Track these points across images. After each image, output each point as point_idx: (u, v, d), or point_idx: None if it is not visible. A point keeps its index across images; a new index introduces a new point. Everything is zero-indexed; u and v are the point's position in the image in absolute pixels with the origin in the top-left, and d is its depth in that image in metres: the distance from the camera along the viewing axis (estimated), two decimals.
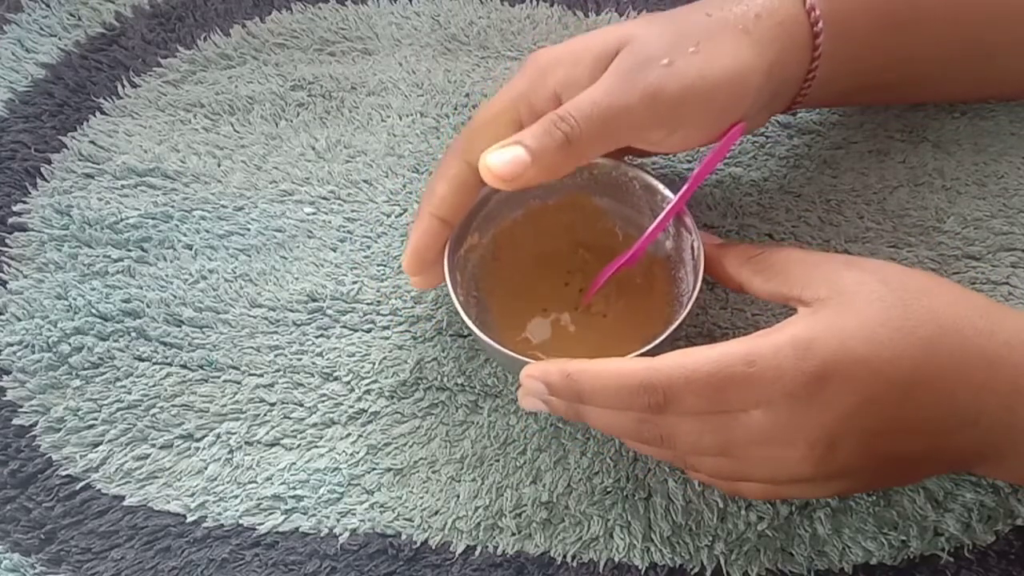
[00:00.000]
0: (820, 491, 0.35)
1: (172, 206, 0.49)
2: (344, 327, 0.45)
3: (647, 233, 0.40)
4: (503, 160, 0.36)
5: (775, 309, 0.45)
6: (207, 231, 0.48)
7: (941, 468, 0.36)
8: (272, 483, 0.42)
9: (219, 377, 0.44)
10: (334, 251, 0.48)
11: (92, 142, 0.51)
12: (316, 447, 0.43)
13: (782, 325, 0.34)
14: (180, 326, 0.45)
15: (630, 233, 0.44)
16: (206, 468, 0.42)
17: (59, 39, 0.55)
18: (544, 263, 0.45)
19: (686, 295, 0.41)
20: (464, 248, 0.42)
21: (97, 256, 0.47)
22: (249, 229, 0.48)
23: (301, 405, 0.44)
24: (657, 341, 0.37)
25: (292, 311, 0.46)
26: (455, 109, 0.52)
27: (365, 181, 0.50)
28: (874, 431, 0.33)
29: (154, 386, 0.44)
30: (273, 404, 0.44)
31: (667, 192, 0.41)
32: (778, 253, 0.38)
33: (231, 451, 0.43)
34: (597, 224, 0.45)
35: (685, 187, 0.39)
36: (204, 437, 0.43)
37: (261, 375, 0.44)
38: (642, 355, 0.36)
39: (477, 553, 0.40)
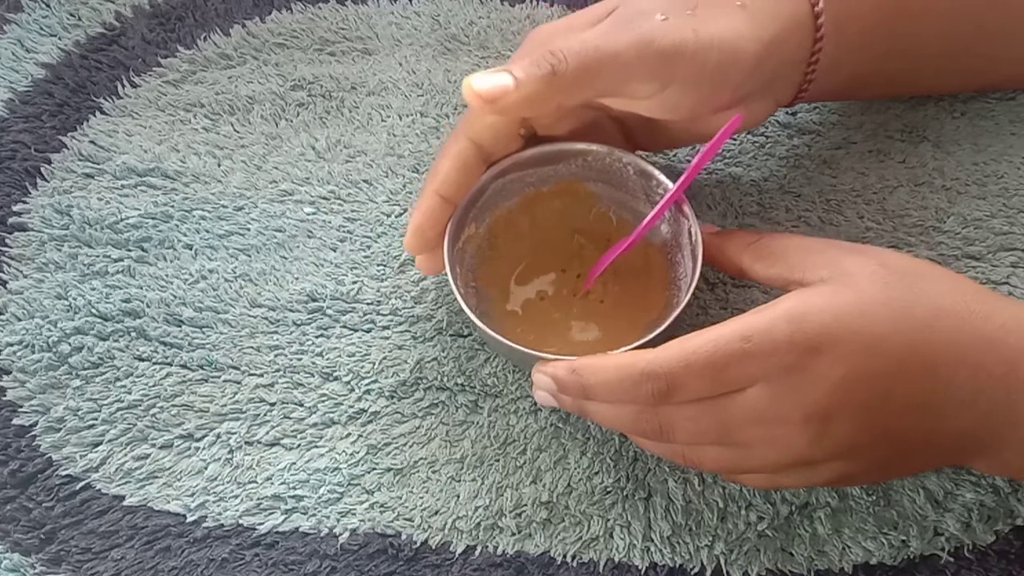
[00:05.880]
0: (819, 475, 0.35)
1: (172, 206, 0.49)
2: (344, 327, 0.45)
3: (646, 221, 0.40)
4: (487, 82, 0.36)
5: None
6: (207, 231, 0.48)
7: (941, 456, 0.36)
8: (272, 483, 0.42)
9: (219, 377, 0.44)
10: (334, 251, 0.48)
11: (92, 142, 0.51)
12: (316, 447, 0.43)
13: (777, 300, 0.34)
14: (180, 326, 0.45)
15: (624, 218, 0.44)
16: (206, 468, 0.42)
17: (59, 39, 0.55)
18: (540, 250, 0.45)
19: (683, 279, 0.41)
20: (462, 240, 0.42)
21: (97, 256, 0.47)
22: (249, 229, 0.48)
23: (301, 405, 0.44)
24: (662, 328, 0.37)
25: (292, 311, 0.46)
26: (455, 109, 0.52)
27: (365, 181, 0.50)
28: (869, 406, 0.33)
29: (154, 386, 0.44)
30: (273, 404, 0.44)
31: (662, 178, 0.41)
32: (779, 239, 0.38)
33: (231, 451, 0.43)
34: (591, 210, 0.45)
35: (684, 175, 0.39)
36: (204, 437, 0.43)
37: (261, 375, 0.44)
38: (645, 344, 0.36)
39: (477, 553, 0.40)
